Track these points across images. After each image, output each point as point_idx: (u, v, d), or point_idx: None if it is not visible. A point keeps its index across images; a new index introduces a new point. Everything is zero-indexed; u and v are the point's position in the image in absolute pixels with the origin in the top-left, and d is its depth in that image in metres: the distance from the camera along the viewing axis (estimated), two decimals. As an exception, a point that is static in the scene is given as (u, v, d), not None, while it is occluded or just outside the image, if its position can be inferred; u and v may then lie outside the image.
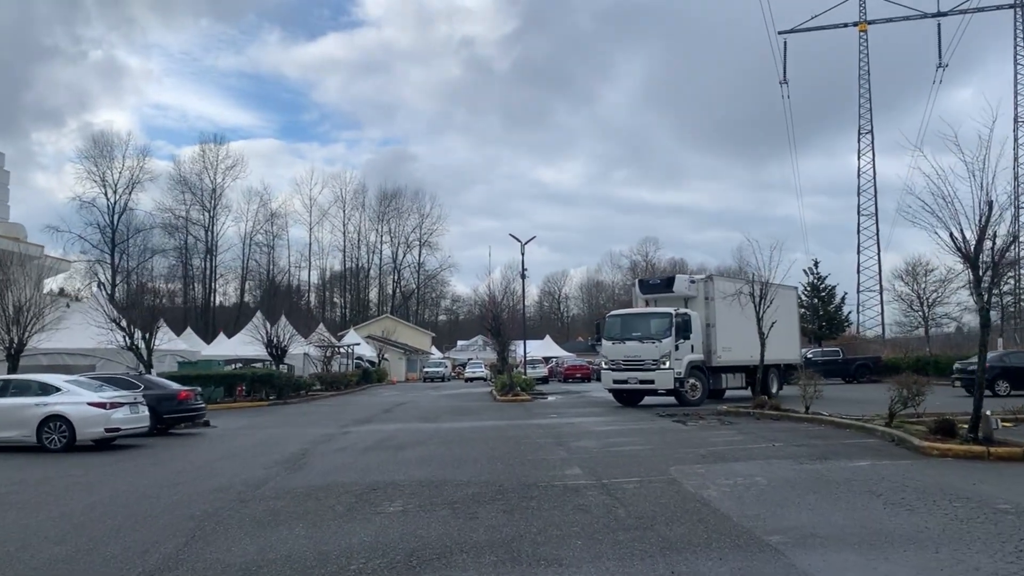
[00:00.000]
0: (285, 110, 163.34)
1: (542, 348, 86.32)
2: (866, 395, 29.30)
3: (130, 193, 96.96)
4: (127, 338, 25.06)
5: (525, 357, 45.82)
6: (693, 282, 26.13)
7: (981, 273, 12.00)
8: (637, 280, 27.38)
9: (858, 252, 67.73)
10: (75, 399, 16.27)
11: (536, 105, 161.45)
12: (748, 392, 28.75)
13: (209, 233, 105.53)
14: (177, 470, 13.18)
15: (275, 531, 8.03)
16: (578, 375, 58.05)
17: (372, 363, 66.50)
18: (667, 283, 26.03)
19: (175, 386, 20.99)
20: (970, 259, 11.82)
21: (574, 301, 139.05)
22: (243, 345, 42.23)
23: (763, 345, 21.71)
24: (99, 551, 7.40)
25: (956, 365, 29.98)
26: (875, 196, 68.36)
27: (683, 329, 24.41)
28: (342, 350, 56.44)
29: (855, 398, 27.25)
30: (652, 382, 24.36)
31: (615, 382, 25.33)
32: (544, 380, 54.02)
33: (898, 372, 45.88)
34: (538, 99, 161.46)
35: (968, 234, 11.72)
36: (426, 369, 72.98)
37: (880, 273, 66.20)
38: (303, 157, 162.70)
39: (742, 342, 26.62)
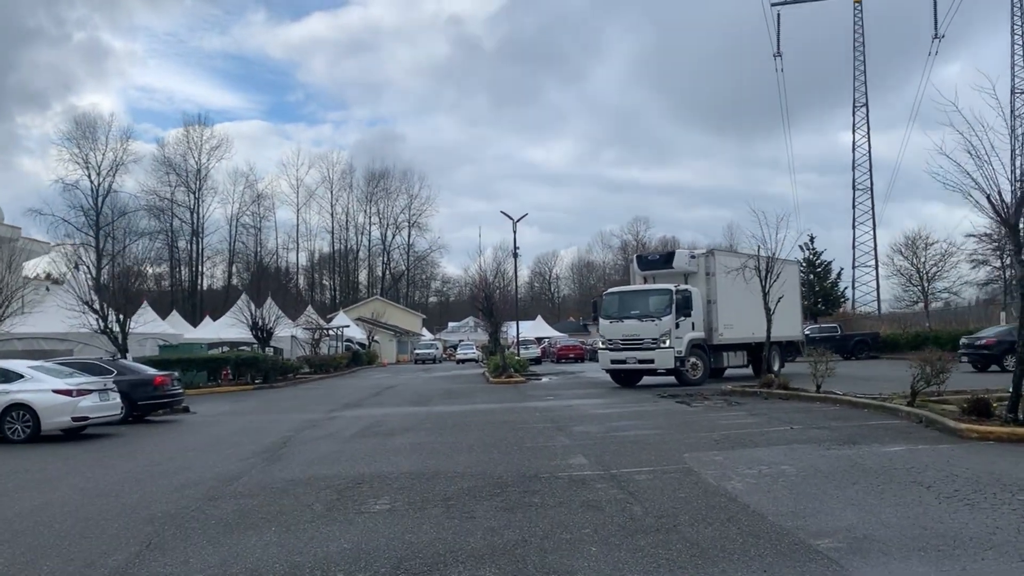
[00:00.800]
0: (271, 91, 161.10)
1: (534, 329, 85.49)
2: (871, 372, 28.45)
3: (114, 175, 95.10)
4: (100, 321, 23.88)
5: (518, 337, 44.84)
6: (694, 257, 25.12)
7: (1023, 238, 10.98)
8: (635, 256, 26.35)
9: (853, 227, 66.83)
10: (39, 386, 15.16)
11: (525, 83, 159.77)
12: (750, 371, 27.91)
13: (195, 215, 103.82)
14: (146, 463, 12.12)
15: (243, 536, 6.99)
16: (571, 355, 57.16)
17: (362, 345, 65.47)
18: (666, 258, 25.00)
19: (151, 371, 19.88)
20: (1010, 224, 10.81)
21: (565, 282, 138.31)
22: (228, 328, 41.14)
23: (769, 321, 20.73)
24: (35, 565, 6.34)
25: (963, 340, 29.11)
26: (870, 169, 67.40)
27: (684, 306, 23.42)
28: (331, 332, 55.38)
29: (861, 375, 26.37)
30: (652, 362, 23.39)
31: (613, 362, 24.35)
32: (537, 361, 53.11)
33: (897, 348, 45.38)
34: (527, 77, 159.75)
35: (1007, 196, 10.69)
36: (417, 351, 71.99)
37: (876, 248, 65.32)
38: (290, 138, 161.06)
39: (744, 319, 25.70)
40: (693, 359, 23.91)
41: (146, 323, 47.99)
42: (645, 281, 25.72)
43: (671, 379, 25.04)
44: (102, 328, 23.78)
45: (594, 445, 11.64)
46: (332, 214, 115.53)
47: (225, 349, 38.26)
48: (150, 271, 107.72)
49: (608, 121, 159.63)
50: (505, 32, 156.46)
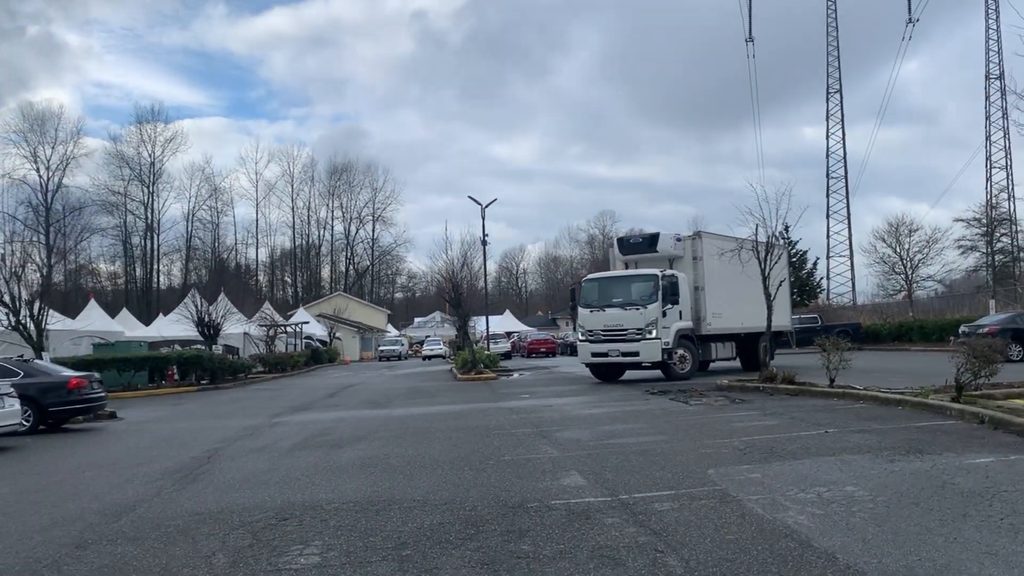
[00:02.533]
0: (232, 87, 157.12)
1: (503, 323, 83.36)
2: (866, 363, 26.49)
3: (64, 170, 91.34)
4: (10, 316, 21.05)
5: (488, 331, 42.50)
6: (679, 240, 22.93)
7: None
8: (615, 239, 24.05)
9: (827, 216, 65.16)
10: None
11: (491, 79, 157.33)
12: (737, 364, 25.90)
13: (149, 210, 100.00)
14: (26, 487, 9.60)
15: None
16: (542, 349, 54.99)
17: (323, 343, 62.77)
18: (650, 241, 22.75)
19: (66, 373, 17.21)
20: None
21: (532, 276, 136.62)
22: (173, 325, 38.26)
23: (770, 308, 18.64)
24: None
25: (962, 328, 27.37)
26: (844, 156, 65.80)
27: (670, 293, 21.24)
28: (289, 329, 52.63)
29: (858, 367, 24.34)
30: (636, 354, 21.19)
31: (593, 355, 22.10)
32: (507, 355, 50.90)
33: (879, 339, 43.73)
34: (493, 73, 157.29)
35: None
36: (381, 348, 69.36)
37: (850, 236, 63.74)
38: (251, 135, 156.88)
39: (733, 307, 23.66)
40: (681, 351, 21.75)
41: (89, 321, 45.22)
42: (627, 266, 23.50)
43: (656, 373, 22.91)
44: (13, 324, 20.98)
45: (589, 457, 9.35)
46: (293, 209, 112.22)
47: (176, 347, 35.53)
48: (104, 268, 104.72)
49: (574, 117, 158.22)
50: (470, 27, 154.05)
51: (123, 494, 8.75)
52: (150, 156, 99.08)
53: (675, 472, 8.16)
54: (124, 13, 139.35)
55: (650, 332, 20.94)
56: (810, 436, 10.06)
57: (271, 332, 41.76)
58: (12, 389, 13.95)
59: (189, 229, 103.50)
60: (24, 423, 15.32)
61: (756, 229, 18.17)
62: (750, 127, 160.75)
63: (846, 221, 65.95)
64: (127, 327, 48.23)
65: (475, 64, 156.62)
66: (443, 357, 59.18)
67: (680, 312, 21.72)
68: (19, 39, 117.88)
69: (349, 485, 8.45)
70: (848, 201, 65.36)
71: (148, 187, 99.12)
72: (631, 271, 22.75)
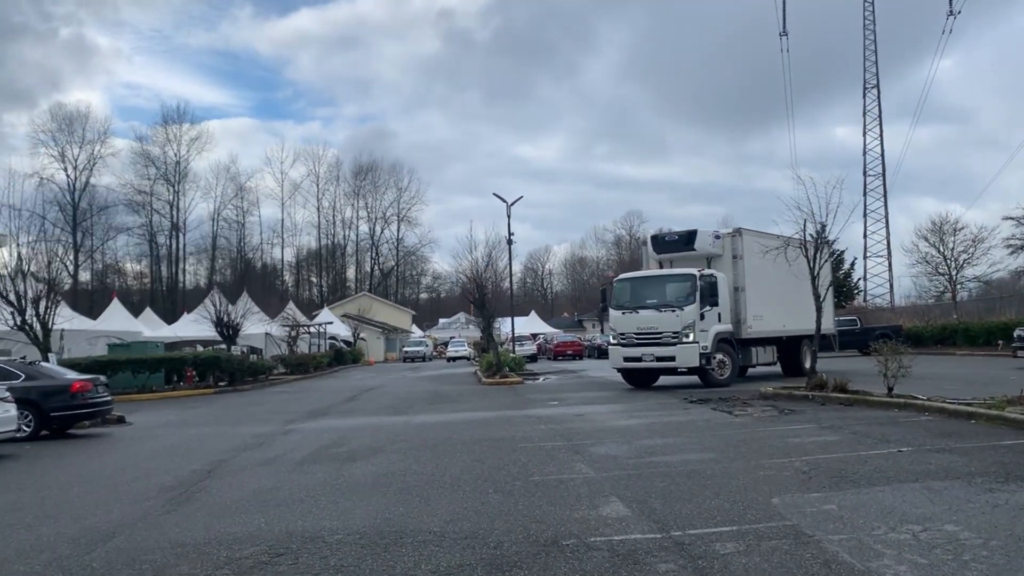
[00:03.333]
0: (259, 88, 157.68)
1: (528, 324, 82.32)
2: (915, 369, 25.08)
3: (91, 170, 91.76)
4: (16, 315, 20.29)
5: (513, 333, 41.41)
6: (718, 237, 21.68)
7: None
8: (649, 236, 22.80)
9: (864, 215, 63.13)
10: None
11: (517, 78, 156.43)
12: (778, 369, 24.60)
13: (175, 209, 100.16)
14: (3, 506, 8.66)
15: None
16: (569, 352, 53.81)
17: (348, 343, 62.06)
18: (687, 238, 21.51)
19: (70, 375, 16.37)
20: None
21: (558, 277, 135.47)
22: (192, 325, 37.59)
23: (820, 310, 17.38)
24: None
25: (1018, 332, 25.76)
26: (882, 152, 63.92)
27: (709, 294, 20.01)
28: (312, 329, 51.90)
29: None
30: (672, 359, 19.98)
31: (626, 360, 20.91)
32: (533, 358, 49.76)
33: (920, 342, 42.02)
34: (519, 72, 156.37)
35: None
36: (405, 348, 68.60)
37: (888, 235, 61.77)
38: (278, 135, 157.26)
39: (775, 309, 22.39)
40: (720, 356, 20.50)
41: (109, 321, 44.74)
42: (660, 266, 22.29)
43: (692, 380, 21.68)
44: (18, 324, 20.23)
45: (630, 480, 8.23)
46: (319, 209, 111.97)
47: (199, 348, 34.86)
48: (131, 268, 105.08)
49: (600, 116, 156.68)
50: (496, 26, 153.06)
51: (107, 516, 7.78)
52: (176, 155, 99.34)
53: (733, 501, 7.01)
54: (153, 15, 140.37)
55: (687, 336, 19.73)
56: (881, 456, 8.85)
57: (293, 332, 40.96)
58: (8, 393, 13.08)
59: (215, 229, 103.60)
60: (24, 429, 14.51)
61: (804, 225, 16.90)
62: (779, 127, 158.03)
63: (884, 220, 64.11)
64: (149, 327, 47.74)
65: (501, 63, 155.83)
66: (468, 359, 58.22)
67: (719, 314, 20.49)
68: (52, 41, 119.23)
69: (358, 510, 7.41)
70: (886, 200, 63.57)
71: (174, 186, 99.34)
72: (666, 271, 21.55)
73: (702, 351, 19.80)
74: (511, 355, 34.15)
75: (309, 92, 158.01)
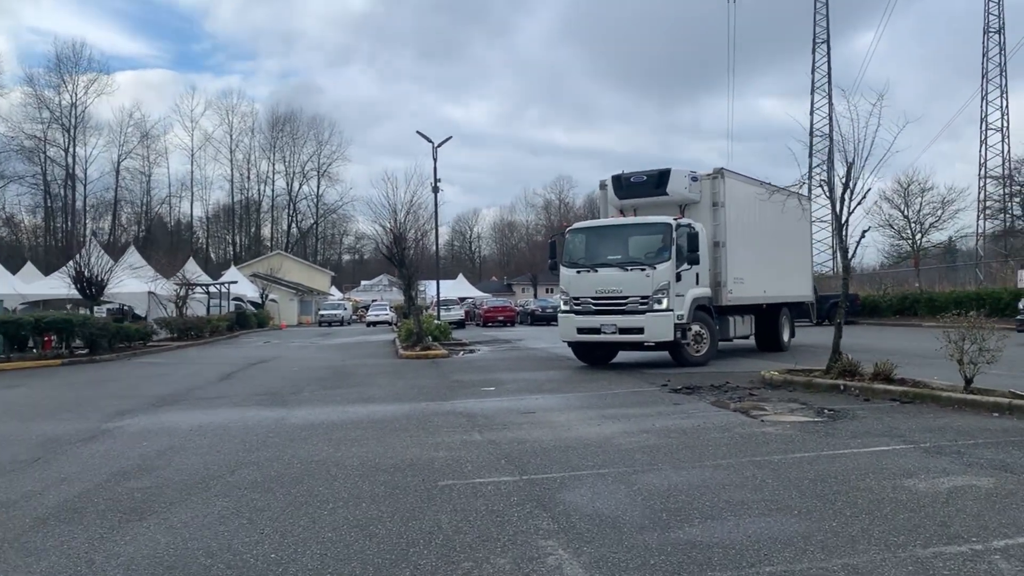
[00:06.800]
0: (176, 39, 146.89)
1: (455, 288, 77.70)
2: (878, 342, 21.46)
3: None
4: None
5: (439, 297, 36.69)
6: (695, 179, 17.30)
7: None
8: (610, 177, 18.08)
9: (809, 177, 60.02)
10: None
11: (449, 36, 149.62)
12: (751, 342, 20.69)
13: (71, 157, 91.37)
14: None
15: None
16: (500, 318, 49.48)
17: (257, 305, 56.45)
18: (657, 180, 17.00)
19: None
20: None
21: (486, 242, 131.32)
22: (54, 281, 31.78)
23: (847, 270, 13.15)
24: None
25: (1024, 304, 22.31)
26: (830, 115, 60.68)
27: (688, 249, 15.67)
28: (213, 289, 46.18)
29: (865, 345, 19.49)
30: (640, 331, 15.63)
31: (580, 331, 16.44)
32: (460, 324, 45.26)
33: (877, 312, 38.91)
34: (451, 30, 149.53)
35: None
36: (321, 312, 63.24)
37: (833, 203, 58.69)
38: (197, 89, 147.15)
39: (756, 270, 18.41)
40: (696, 327, 16.27)
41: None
42: (622, 214, 17.87)
43: (658, 355, 17.56)
44: None
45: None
46: (232, 162, 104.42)
47: (68, 308, 29.15)
48: (27, 221, 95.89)
49: (532, 80, 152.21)
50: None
51: None
52: (72, 99, 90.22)
53: None
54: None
55: (659, 301, 15.43)
56: None
57: (182, 292, 35.32)
58: None
59: (117, 180, 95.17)
60: None
61: (830, 155, 12.43)
62: (708, 96, 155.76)
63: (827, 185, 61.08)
64: (26, 282, 41.43)
65: (433, 19, 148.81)
66: (389, 323, 53.56)
67: (697, 275, 16.25)
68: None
69: None
70: (831, 158, 60.42)
71: (69, 132, 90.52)
72: (633, 219, 17.07)
73: (678, 321, 15.54)
74: (436, 321, 29.48)
75: (229, 45, 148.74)
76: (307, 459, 7.80)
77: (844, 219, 12.18)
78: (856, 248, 13.40)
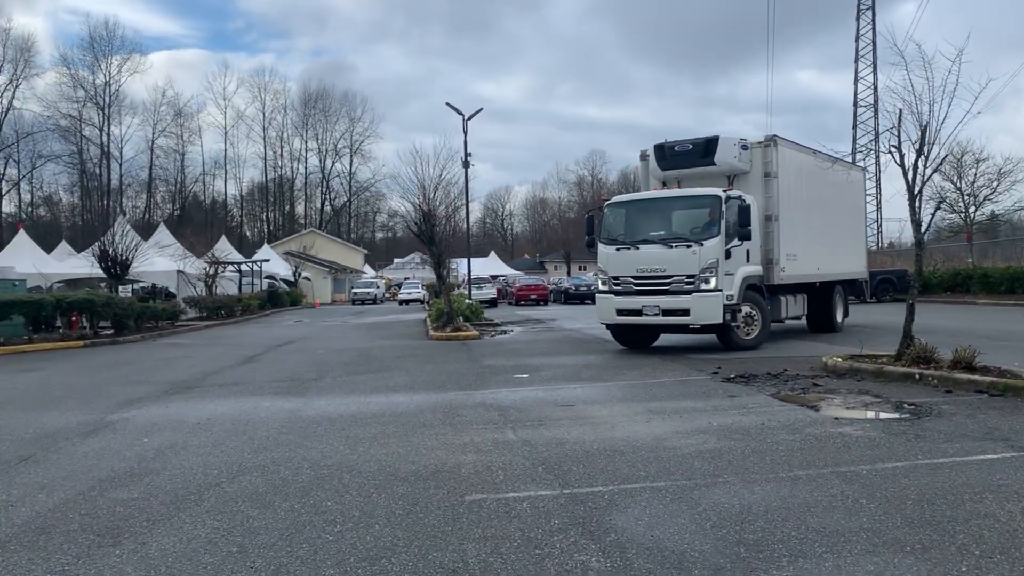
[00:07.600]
0: (210, 18, 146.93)
1: (487, 266, 76.70)
2: (939, 322, 19.95)
3: (14, 91, 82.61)
4: None
5: (469, 274, 35.74)
6: (746, 148, 16.05)
7: None
8: (652, 147, 16.84)
9: (853, 151, 58.14)
10: None
11: (480, 12, 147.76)
12: (803, 323, 19.47)
13: (105, 135, 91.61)
14: None
15: None
16: (533, 296, 48.41)
17: (290, 283, 56.09)
18: (704, 148, 15.77)
19: None
20: None
21: (518, 219, 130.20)
22: (80, 259, 31.40)
23: (920, 244, 11.89)
24: None
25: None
26: (875, 85, 58.60)
27: (738, 223, 14.47)
28: (245, 267, 45.76)
29: (928, 327, 17.79)
30: (686, 312, 14.52)
31: (620, 312, 15.34)
32: (492, 303, 44.31)
33: (927, 289, 37.15)
34: (483, 5, 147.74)
35: None
36: (354, 290, 62.77)
37: (878, 174, 56.52)
38: (229, 67, 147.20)
39: (809, 246, 17.19)
40: (747, 308, 15.11)
41: (12, 255, 38.35)
42: (665, 186, 16.68)
43: (704, 338, 16.45)
44: None
45: None
46: (264, 139, 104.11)
47: (102, 287, 28.76)
48: (66, 200, 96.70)
49: (565, 54, 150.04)
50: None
51: None
52: (106, 77, 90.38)
53: None
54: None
55: (707, 281, 14.29)
56: None
57: (212, 270, 34.80)
58: None
59: (151, 158, 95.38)
60: None
61: (900, 116, 11.10)
62: (744, 70, 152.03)
63: (874, 155, 58.97)
64: (60, 260, 41.35)
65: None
66: (421, 302, 52.91)
67: (747, 252, 15.06)
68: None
69: None
70: (877, 133, 58.20)
71: (104, 111, 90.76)
72: (678, 191, 15.86)
73: (727, 302, 14.40)
74: (467, 301, 28.55)
75: (262, 24, 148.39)
76: (318, 463, 6.88)
77: (918, 189, 10.90)
78: (932, 219, 12.09)
